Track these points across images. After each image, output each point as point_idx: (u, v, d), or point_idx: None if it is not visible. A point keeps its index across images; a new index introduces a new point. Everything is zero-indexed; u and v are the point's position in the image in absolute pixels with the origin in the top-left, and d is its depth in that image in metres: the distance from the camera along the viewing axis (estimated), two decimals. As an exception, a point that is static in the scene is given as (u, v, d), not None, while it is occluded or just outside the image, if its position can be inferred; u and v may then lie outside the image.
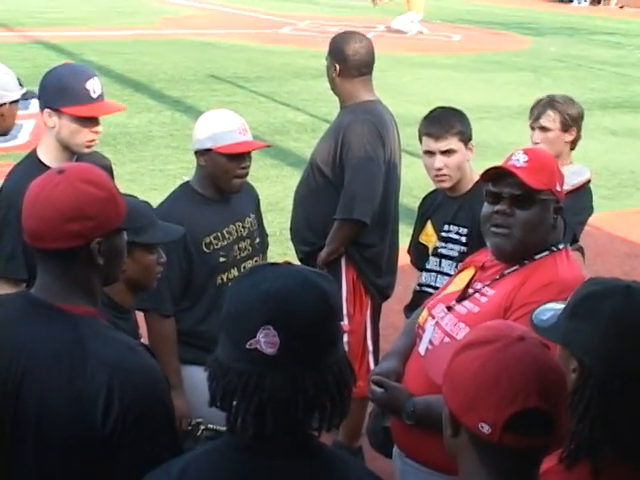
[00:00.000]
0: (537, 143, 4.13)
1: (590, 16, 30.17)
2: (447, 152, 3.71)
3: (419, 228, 4.00)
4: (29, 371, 2.04)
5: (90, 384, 1.98)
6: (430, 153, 3.76)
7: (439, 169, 3.73)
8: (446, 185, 3.78)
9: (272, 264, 1.83)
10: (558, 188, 2.78)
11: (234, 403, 1.70)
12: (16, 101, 3.75)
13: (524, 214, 2.71)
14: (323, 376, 1.70)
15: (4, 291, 3.29)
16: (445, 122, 3.75)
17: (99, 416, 1.97)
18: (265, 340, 1.66)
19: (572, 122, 4.13)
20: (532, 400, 1.69)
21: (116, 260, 2.19)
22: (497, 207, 2.74)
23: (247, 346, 1.67)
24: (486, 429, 1.70)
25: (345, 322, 4.40)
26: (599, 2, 34.99)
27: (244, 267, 3.68)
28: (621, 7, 34.01)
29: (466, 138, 3.76)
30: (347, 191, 4.27)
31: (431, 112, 3.85)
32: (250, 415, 1.68)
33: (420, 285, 3.91)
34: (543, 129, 4.13)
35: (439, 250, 3.82)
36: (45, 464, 2.03)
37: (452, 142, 3.71)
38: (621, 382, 1.90)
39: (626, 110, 14.61)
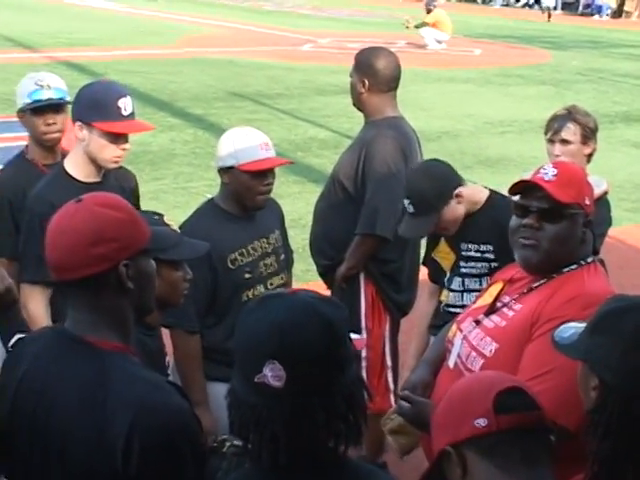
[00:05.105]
0: (558, 156, 4.08)
1: (612, 29, 30.10)
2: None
3: (432, 245, 3.96)
4: (55, 408, 2.03)
5: (111, 424, 1.95)
6: None
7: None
8: (448, 233, 3.73)
9: (278, 294, 1.89)
10: (587, 202, 2.74)
11: (250, 435, 1.75)
12: (31, 111, 3.84)
13: (553, 228, 2.69)
14: (333, 402, 1.74)
15: (35, 296, 3.47)
16: (424, 217, 3.64)
17: (119, 456, 1.94)
18: (272, 374, 1.71)
19: (591, 135, 4.11)
20: (506, 382, 1.97)
21: (147, 285, 2.15)
22: (525, 220, 2.72)
23: (255, 380, 1.72)
24: (482, 422, 1.86)
25: (364, 336, 4.39)
26: (620, 15, 34.91)
27: (270, 284, 3.69)
28: (643, 19, 33.91)
29: (444, 201, 3.63)
30: (369, 206, 4.26)
31: (409, 191, 3.71)
32: (264, 446, 1.73)
33: (447, 305, 3.84)
34: (564, 142, 4.09)
35: (461, 270, 3.78)
36: None
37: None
38: None
39: (649, 123, 14.54)
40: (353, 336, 1.85)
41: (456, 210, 3.67)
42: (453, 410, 1.94)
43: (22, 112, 3.92)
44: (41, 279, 3.42)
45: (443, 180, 3.70)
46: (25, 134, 4.14)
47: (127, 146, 3.54)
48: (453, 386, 2.05)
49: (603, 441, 1.88)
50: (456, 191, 3.66)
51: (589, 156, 4.16)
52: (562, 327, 2.14)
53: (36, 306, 3.45)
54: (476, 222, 3.71)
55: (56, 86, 3.91)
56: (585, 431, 1.93)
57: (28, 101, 3.86)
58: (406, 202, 3.70)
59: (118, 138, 3.49)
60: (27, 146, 3.99)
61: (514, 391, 1.92)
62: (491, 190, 3.81)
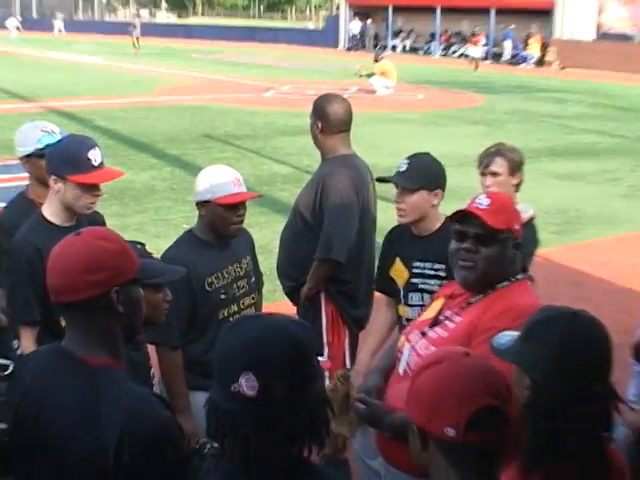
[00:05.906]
0: (489, 186, 4.14)
1: (535, 76, 30.65)
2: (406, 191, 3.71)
3: (389, 264, 3.93)
4: (54, 418, 2.03)
5: (104, 429, 1.96)
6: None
7: (397, 202, 3.74)
8: (402, 220, 3.76)
9: (255, 315, 1.91)
10: (516, 226, 2.80)
11: (225, 437, 1.77)
12: (38, 155, 3.78)
13: (487, 251, 2.74)
14: (300, 412, 1.76)
15: (26, 335, 3.37)
16: (410, 179, 3.69)
17: (111, 458, 1.94)
18: (246, 384, 1.73)
19: (517, 167, 4.19)
20: (486, 399, 1.79)
21: (135, 310, 2.15)
22: (463, 245, 2.77)
23: (232, 389, 1.74)
24: (451, 432, 1.77)
25: (325, 350, 4.41)
26: (542, 64, 35.58)
27: (242, 303, 3.71)
28: (562, 68, 34.60)
29: (430, 186, 3.71)
30: (325, 234, 4.29)
31: (410, 158, 3.77)
32: (237, 447, 1.75)
33: (408, 320, 3.77)
34: (494, 174, 4.16)
35: (419, 286, 3.78)
36: None
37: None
38: (566, 396, 1.93)
39: (569, 157, 14.79)
40: (319, 358, 1.87)
41: (424, 204, 3.70)
42: (434, 397, 1.82)
43: (28, 157, 3.84)
44: (30, 320, 3.36)
45: (440, 174, 3.80)
46: (22, 175, 4.10)
47: (100, 192, 3.48)
48: (448, 368, 1.86)
49: (534, 433, 1.94)
50: (439, 190, 3.74)
51: (517, 186, 4.22)
52: (499, 335, 2.19)
53: (25, 346, 3.36)
54: (432, 243, 3.74)
55: (59, 131, 3.90)
56: (519, 425, 1.97)
57: (40, 146, 3.78)
58: (404, 161, 3.74)
59: (91, 187, 3.43)
60: (28, 187, 3.92)
61: (492, 409, 1.79)
62: (447, 217, 3.85)
